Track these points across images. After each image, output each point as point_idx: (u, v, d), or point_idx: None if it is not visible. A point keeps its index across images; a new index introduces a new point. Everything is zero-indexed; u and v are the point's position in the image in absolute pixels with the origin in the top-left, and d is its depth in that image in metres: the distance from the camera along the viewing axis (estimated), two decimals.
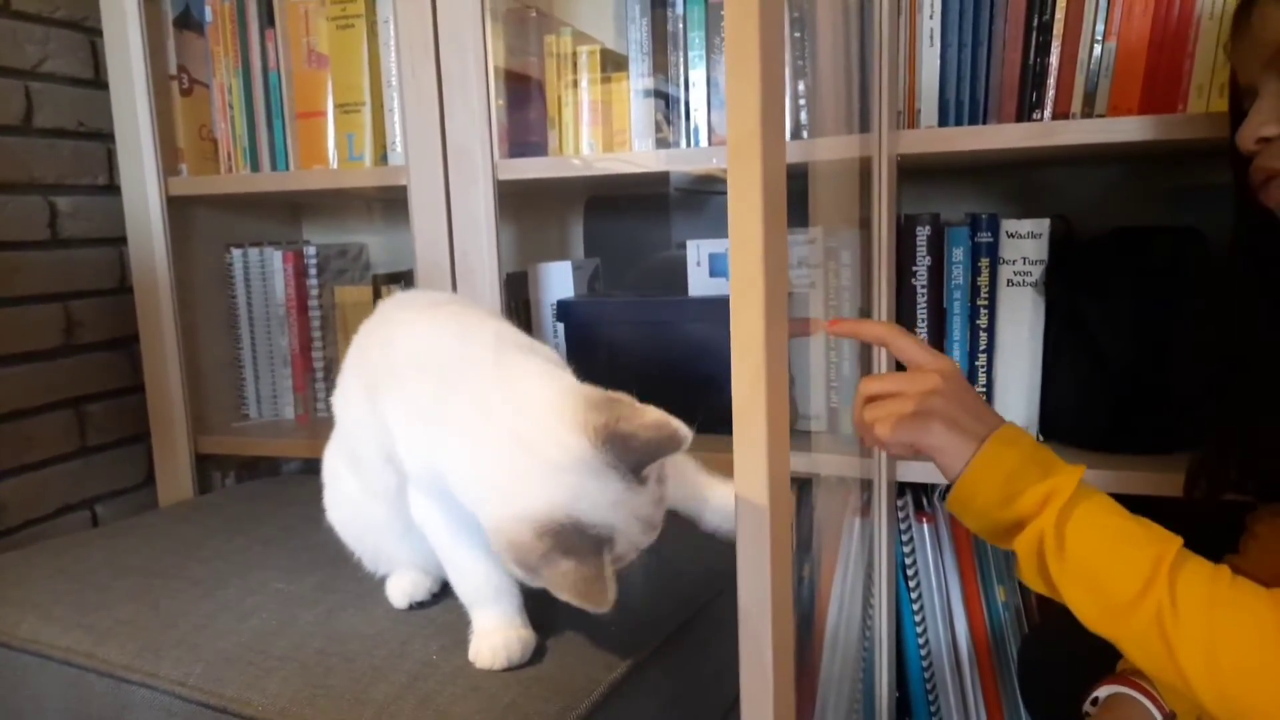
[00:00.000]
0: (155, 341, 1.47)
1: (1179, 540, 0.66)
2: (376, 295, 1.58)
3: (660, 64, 1.29)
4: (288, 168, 1.46)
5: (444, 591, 0.87)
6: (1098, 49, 1.10)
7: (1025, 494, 0.68)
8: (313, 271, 1.57)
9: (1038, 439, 1.19)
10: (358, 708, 0.69)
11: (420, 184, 1.28)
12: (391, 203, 1.68)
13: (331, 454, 0.90)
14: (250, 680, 0.74)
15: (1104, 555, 0.66)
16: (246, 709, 0.71)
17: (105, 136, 1.50)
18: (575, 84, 1.32)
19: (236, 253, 1.58)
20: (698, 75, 1.27)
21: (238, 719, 0.71)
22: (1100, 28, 1.09)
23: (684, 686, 0.84)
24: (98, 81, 1.50)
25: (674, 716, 0.82)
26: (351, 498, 0.86)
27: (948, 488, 0.72)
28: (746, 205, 0.62)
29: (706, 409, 1.37)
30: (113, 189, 1.50)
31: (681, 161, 1.28)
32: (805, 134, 1.20)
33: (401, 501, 0.78)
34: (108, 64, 1.42)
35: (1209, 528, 0.73)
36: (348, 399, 0.83)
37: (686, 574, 0.94)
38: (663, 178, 1.41)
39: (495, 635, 0.74)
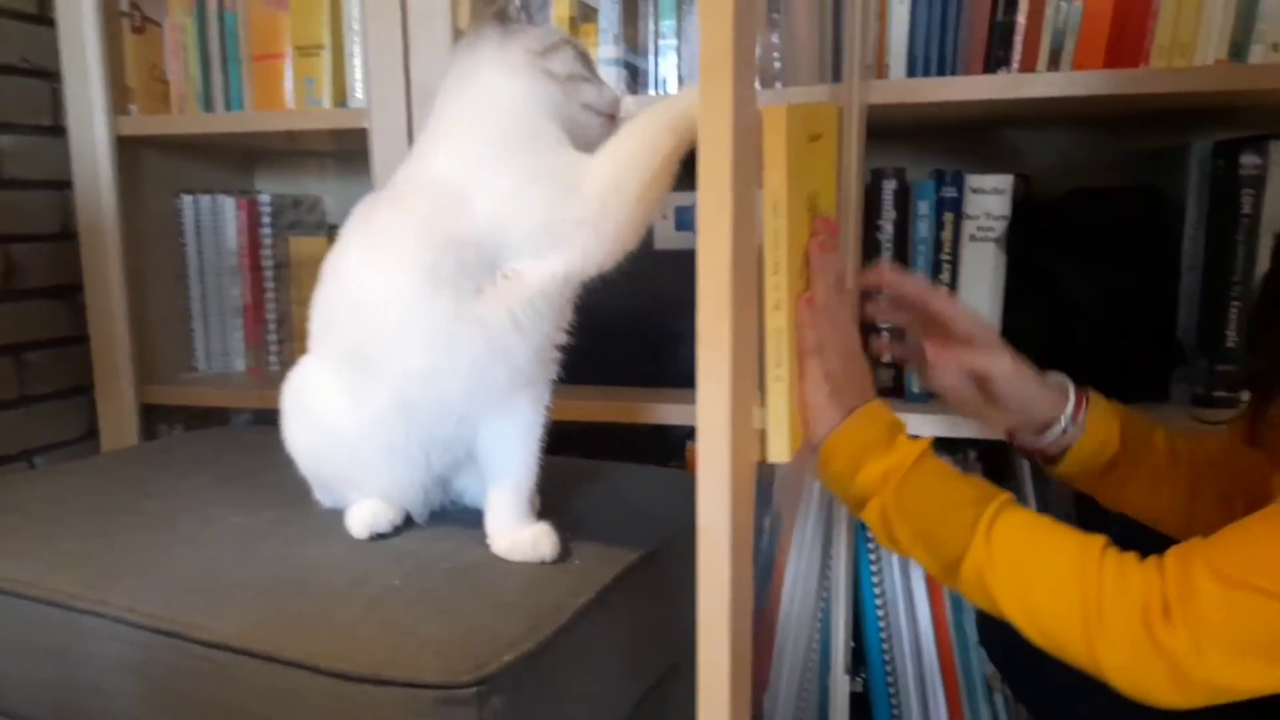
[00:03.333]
0: (101, 289, 1.43)
1: (1003, 495, 0.70)
2: None
3: (630, 16, 1.27)
4: (243, 111, 1.42)
5: (405, 524, 0.85)
6: (1064, 7, 1.11)
7: (869, 468, 0.73)
8: (267, 221, 1.53)
9: None
10: (319, 630, 0.68)
11: (382, 126, 1.25)
12: (348, 154, 1.64)
13: (299, 376, 0.87)
14: (206, 607, 0.72)
15: (933, 519, 0.71)
16: (202, 634, 0.69)
17: (50, 75, 1.44)
18: None
19: (187, 199, 1.53)
20: (668, 26, 1.26)
21: (194, 644, 0.69)
22: None
23: (649, 616, 0.83)
24: (42, 17, 1.45)
25: (639, 643, 0.82)
26: (325, 414, 0.83)
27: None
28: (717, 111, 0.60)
29: (672, 363, 1.36)
30: (57, 130, 1.44)
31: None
32: (779, 84, 1.20)
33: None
34: None
35: None
36: (346, 282, 0.81)
37: (652, 511, 0.94)
38: None
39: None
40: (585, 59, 0.81)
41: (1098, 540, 0.66)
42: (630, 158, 0.76)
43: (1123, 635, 0.62)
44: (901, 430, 0.76)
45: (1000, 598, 0.67)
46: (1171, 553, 0.64)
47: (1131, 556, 0.65)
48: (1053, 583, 0.66)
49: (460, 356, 0.77)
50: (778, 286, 0.71)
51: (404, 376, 0.78)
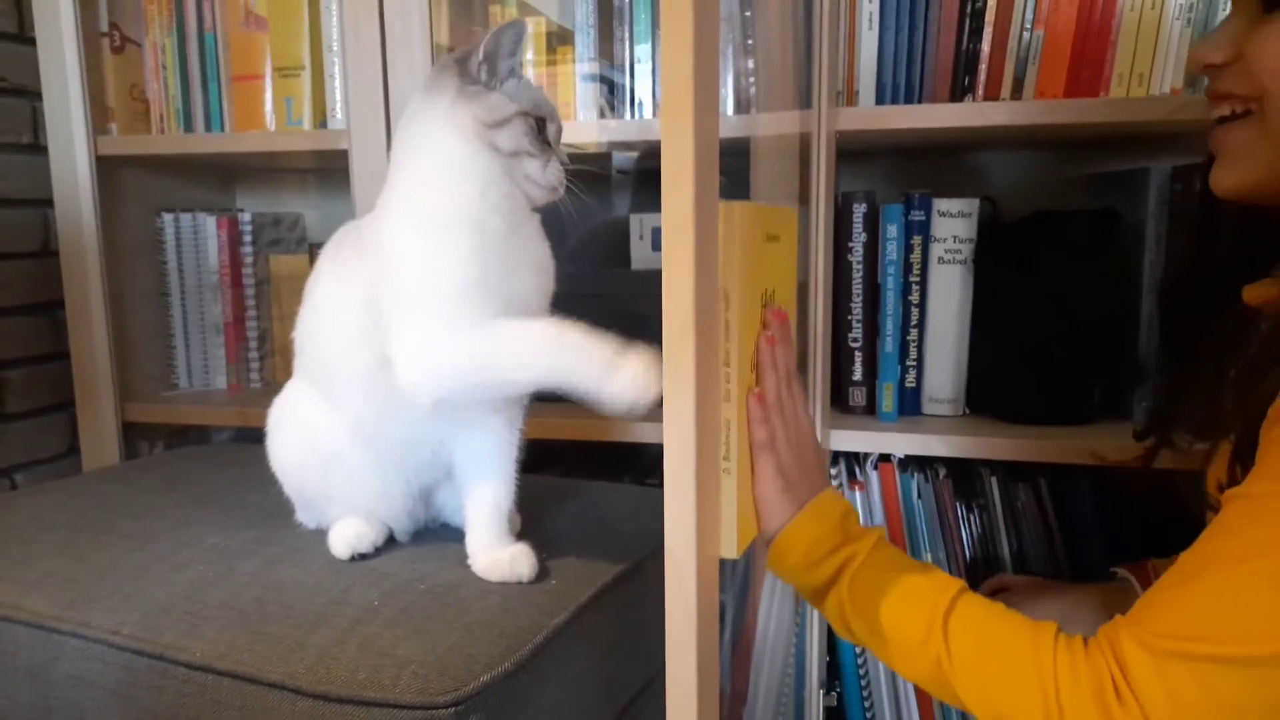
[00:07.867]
0: (81, 307, 1.43)
1: (956, 585, 0.72)
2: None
3: (606, 38, 1.30)
4: (223, 131, 1.44)
5: (386, 544, 0.87)
6: (1026, 36, 1.15)
7: (824, 563, 0.75)
8: (247, 239, 1.55)
9: (963, 412, 1.24)
10: (298, 652, 0.69)
11: (362, 148, 1.27)
12: (329, 172, 1.66)
13: (286, 395, 0.89)
14: (187, 628, 0.73)
15: (889, 612, 0.72)
16: (183, 655, 0.71)
17: (30, 93, 1.45)
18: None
19: (168, 218, 1.54)
20: (643, 50, 1.28)
21: (174, 665, 0.70)
22: (1030, 16, 1.14)
23: (625, 634, 0.85)
24: (22, 36, 1.45)
25: (615, 661, 0.84)
26: (308, 432, 0.86)
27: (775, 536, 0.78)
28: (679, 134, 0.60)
29: None
30: (38, 148, 1.45)
31: (625, 132, 1.30)
32: (754, 109, 1.23)
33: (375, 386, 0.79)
34: (35, 18, 1.38)
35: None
36: (317, 309, 0.84)
37: (625, 530, 0.96)
38: (606, 157, 1.43)
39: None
40: (538, 129, 0.79)
41: (1049, 628, 0.66)
42: (511, 355, 0.76)
43: None
44: (855, 519, 0.78)
45: (962, 692, 0.68)
46: (1102, 632, 0.64)
47: (1078, 642, 0.65)
48: (1011, 677, 0.66)
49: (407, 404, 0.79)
50: (728, 378, 0.72)
51: (364, 411, 0.82)
